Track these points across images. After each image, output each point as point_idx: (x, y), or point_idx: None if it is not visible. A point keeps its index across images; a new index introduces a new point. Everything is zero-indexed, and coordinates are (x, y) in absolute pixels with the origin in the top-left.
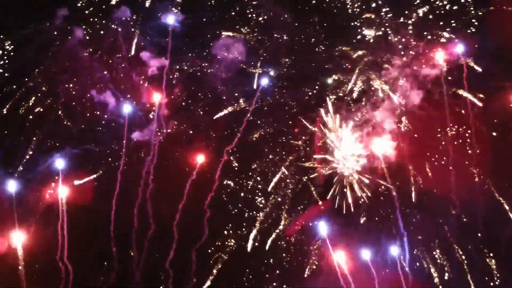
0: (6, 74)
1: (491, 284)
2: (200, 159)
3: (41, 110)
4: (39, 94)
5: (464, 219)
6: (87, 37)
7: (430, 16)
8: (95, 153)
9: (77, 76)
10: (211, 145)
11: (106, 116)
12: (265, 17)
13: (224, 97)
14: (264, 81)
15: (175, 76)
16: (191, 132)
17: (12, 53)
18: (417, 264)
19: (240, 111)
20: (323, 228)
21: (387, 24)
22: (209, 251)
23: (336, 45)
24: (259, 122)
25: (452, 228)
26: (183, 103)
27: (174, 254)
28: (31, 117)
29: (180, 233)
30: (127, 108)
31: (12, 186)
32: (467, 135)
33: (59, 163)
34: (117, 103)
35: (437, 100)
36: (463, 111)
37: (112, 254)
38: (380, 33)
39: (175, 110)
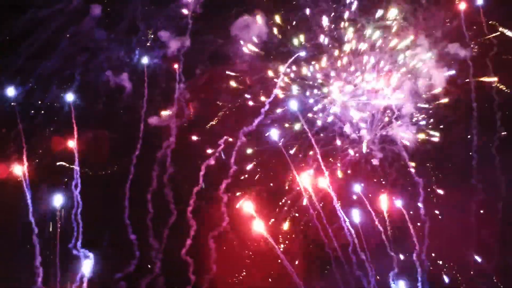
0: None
1: None
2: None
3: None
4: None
5: (482, 211)
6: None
7: None
8: (112, 138)
9: (95, 58)
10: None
11: (124, 99)
12: None
13: (244, 82)
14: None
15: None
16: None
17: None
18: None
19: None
20: (294, 105)
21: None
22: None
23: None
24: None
25: (473, 217)
26: (202, 87)
27: (192, 242)
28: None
29: (198, 220)
30: (145, 60)
31: None
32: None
33: (69, 97)
34: (134, 87)
35: (462, 83)
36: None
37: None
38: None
39: (195, 94)
